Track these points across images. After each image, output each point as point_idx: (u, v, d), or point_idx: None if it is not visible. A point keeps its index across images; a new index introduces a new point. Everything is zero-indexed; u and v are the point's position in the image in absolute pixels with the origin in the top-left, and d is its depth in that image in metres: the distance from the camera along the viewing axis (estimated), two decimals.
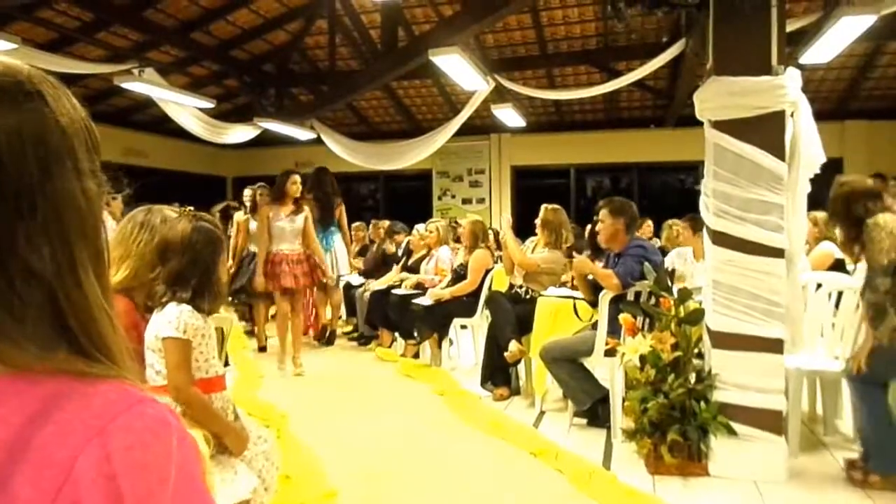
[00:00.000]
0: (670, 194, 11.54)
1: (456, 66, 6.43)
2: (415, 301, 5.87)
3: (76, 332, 0.57)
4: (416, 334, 5.96)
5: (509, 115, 9.33)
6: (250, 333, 7.03)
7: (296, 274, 5.64)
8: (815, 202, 3.73)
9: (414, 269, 6.79)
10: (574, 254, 4.66)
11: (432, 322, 5.75)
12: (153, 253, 1.98)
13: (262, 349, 6.60)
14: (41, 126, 0.58)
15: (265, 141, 9.75)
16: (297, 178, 5.82)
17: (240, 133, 9.19)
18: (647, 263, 3.83)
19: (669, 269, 4.06)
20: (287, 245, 5.67)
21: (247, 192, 7.13)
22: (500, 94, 8.48)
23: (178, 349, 1.95)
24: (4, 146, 0.55)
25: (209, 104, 8.31)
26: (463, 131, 8.60)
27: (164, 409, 0.58)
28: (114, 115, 10.51)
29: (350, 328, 7.39)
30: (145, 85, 7.37)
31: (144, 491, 0.53)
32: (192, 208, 2.07)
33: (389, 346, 6.42)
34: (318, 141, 9.43)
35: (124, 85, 7.32)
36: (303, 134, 9.27)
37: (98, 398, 0.55)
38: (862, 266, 4.99)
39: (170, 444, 0.56)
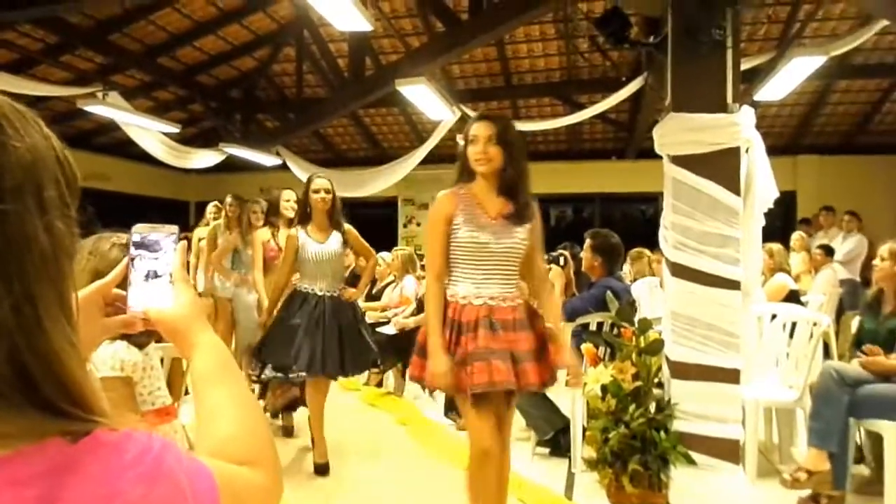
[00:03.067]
0: (631, 224, 11.75)
1: (422, 95, 6.50)
2: (378, 330, 5.86)
3: (44, 386, 0.53)
4: (379, 363, 5.93)
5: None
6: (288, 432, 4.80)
7: None
8: (769, 234, 3.84)
9: (377, 298, 6.79)
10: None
11: (396, 351, 5.73)
12: (84, 285, 1.89)
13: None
14: None
15: (230, 166, 9.69)
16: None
17: (204, 158, 9.12)
18: (608, 293, 3.89)
19: (632, 300, 4.13)
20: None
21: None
22: (465, 124, 8.57)
23: (116, 388, 1.87)
24: None
25: (174, 129, 8.25)
26: (429, 159, 8.66)
27: (152, 443, 0.57)
28: (76, 137, 10.34)
29: None
30: (109, 108, 7.29)
31: None
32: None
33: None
34: (284, 167, 9.40)
35: (88, 108, 7.23)
36: (268, 160, 9.24)
37: (95, 462, 0.53)
38: (815, 297, 5.14)
39: (171, 465, 0.56)
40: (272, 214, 5.12)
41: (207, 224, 6.49)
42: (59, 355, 0.55)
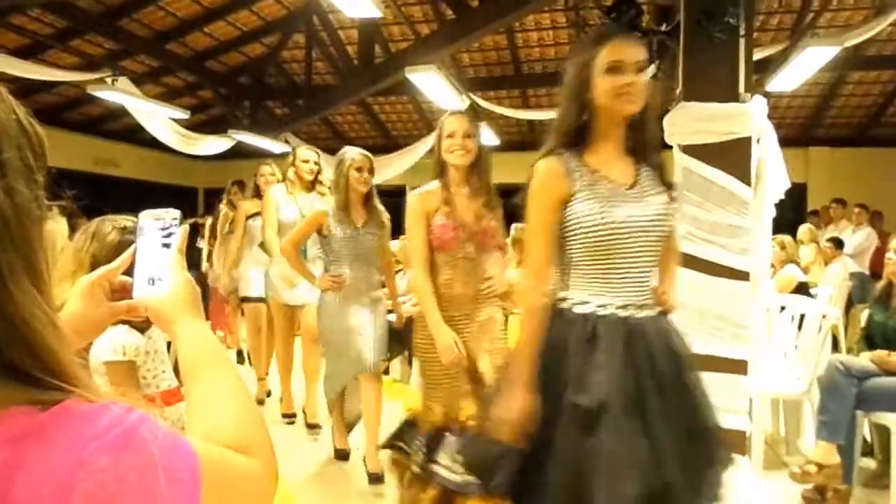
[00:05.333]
0: None
1: (432, 83, 6.48)
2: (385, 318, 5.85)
3: (11, 352, 0.53)
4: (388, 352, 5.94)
5: (483, 134, 9.42)
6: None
7: None
8: (779, 226, 3.81)
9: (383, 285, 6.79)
10: None
11: (402, 339, 5.73)
12: (87, 268, 1.90)
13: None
14: None
15: (238, 153, 9.69)
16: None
17: (213, 144, 9.13)
18: None
19: None
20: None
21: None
22: (474, 113, 8.55)
23: (119, 372, 1.87)
24: None
25: (183, 115, 8.26)
26: None
27: (127, 415, 0.55)
28: (85, 123, 10.39)
29: None
30: (118, 94, 7.30)
31: (143, 495, 0.52)
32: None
33: None
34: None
35: (97, 93, 7.24)
36: (277, 147, 9.24)
37: (66, 425, 0.52)
38: (824, 289, 5.11)
39: (145, 438, 0.54)
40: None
41: (230, 205, 5.79)
42: (27, 321, 0.54)
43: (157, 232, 0.89)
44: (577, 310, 1.79)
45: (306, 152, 4.47)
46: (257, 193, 4.99)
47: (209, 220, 6.81)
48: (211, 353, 0.82)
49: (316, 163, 4.42)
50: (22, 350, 0.53)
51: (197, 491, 0.58)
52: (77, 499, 0.49)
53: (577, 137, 1.86)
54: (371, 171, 3.63)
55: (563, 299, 1.82)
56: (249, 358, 5.69)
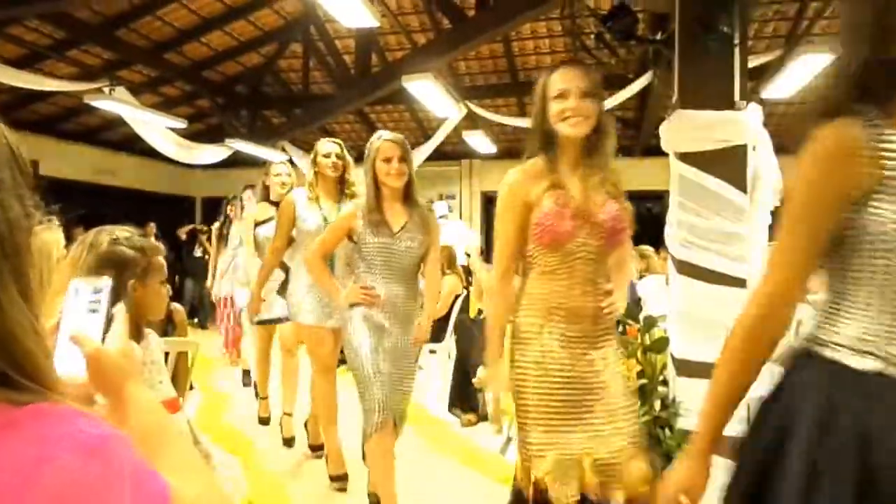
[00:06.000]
0: (638, 222, 11.66)
1: (429, 92, 6.50)
2: None
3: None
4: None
5: (480, 141, 9.45)
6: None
7: None
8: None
9: None
10: None
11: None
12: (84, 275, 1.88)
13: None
14: None
15: (236, 162, 9.71)
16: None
17: (211, 153, 9.14)
18: None
19: (637, 298, 4.12)
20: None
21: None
22: (471, 121, 8.58)
23: None
24: None
25: (181, 124, 8.27)
26: (434, 156, 8.66)
27: (103, 425, 0.56)
28: (83, 133, 10.39)
29: None
30: (116, 103, 7.31)
31: None
32: (153, 226, 1.98)
33: None
34: (290, 163, 9.40)
35: (94, 103, 7.25)
36: (274, 156, 9.24)
37: (36, 423, 0.53)
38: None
39: (117, 453, 0.55)
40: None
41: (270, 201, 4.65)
42: (13, 332, 0.56)
43: (87, 296, 0.82)
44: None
45: (327, 145, 3.65)
46: (266, 196, 4.62)
47: (216, 226, 6.68)
48: (165, 425, 0.78)
49: (339, 156, 3.62)
50: (7, 359, 0.55)
51: None
52: (39, 493, 0.50)
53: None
54: (404, 160, 2.95)
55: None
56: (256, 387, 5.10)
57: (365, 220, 2.93)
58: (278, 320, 4.36)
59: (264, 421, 4.81)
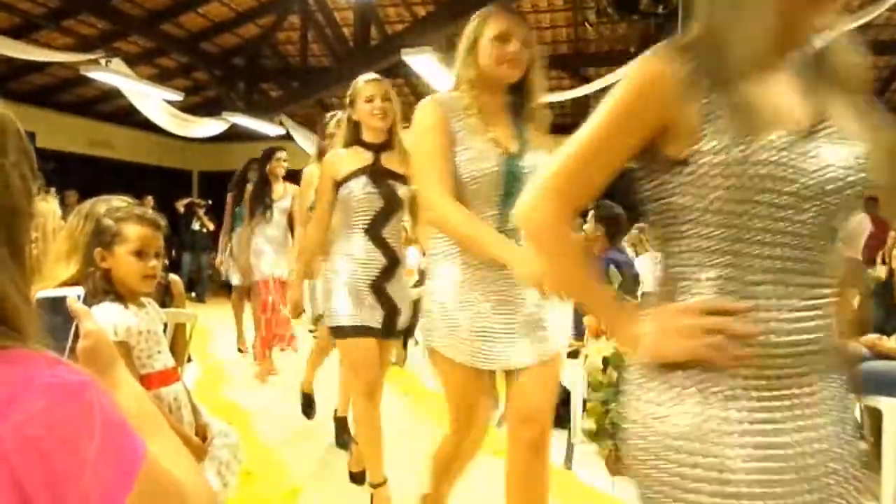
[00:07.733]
0: (634, 200, 11.71)
1: (428, 66, 6.44)
2: None
3: None
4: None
5: None
6: None
7: None
8: None
9: None
10: None
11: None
12: (81, 249, 1.88)
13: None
14: None
15: (233, 135, 9.65)
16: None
17: (208, 127, 9.09)
18: (612, 267, 3.89)
19: (636, 273, 4.13)
20: None
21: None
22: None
23: None
24: None
25: (177, 96, 8.21)
26: None
27: (78, 374, 0.57)
28: (79, 104, 10.31)
29: (314, 327, 7.33)
30: (112, 75, 7.25)
31: (69, 447, 0.52)
32: (150, 199, 1.96)
33: None
34: (287, 137, 9.36)
35: (90, 75, 7.19)
36: (271, 129, 9.20)
37: (11, 365, 0.54)
38: None
39: (90, 399, 0.55)
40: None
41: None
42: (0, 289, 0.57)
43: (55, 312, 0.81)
44: None
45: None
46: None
47: (249, 187, 5.82)
48: (151, 413, 0.79)
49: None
50: None
51: (130, 480, 0.56)
52: (4, 430, 0.50)
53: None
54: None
55: None
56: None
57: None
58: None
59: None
